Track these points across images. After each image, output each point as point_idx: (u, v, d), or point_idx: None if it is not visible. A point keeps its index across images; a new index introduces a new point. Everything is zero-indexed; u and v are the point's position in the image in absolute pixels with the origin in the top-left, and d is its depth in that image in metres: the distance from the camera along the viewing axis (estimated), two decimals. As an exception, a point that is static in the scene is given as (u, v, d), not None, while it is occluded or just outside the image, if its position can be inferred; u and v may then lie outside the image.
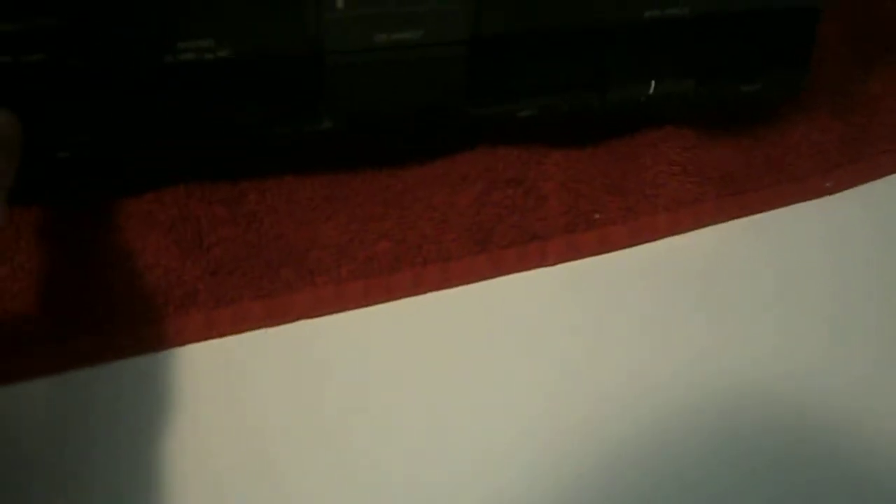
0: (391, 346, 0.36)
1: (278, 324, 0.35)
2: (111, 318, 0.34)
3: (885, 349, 0.38)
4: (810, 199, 0.42)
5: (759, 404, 0.36)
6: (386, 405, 0.34)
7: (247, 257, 0.36)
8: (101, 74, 0.32)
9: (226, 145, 0.36)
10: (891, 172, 0.43)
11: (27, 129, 0.32)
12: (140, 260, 0.36)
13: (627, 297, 0.38)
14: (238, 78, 0.34)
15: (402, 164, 0.40)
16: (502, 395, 0.35)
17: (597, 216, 0.39)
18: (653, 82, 0.38)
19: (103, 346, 0.34)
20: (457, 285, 0.37)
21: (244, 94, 0.34)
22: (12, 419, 0.32)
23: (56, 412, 0.33)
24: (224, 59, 0.33)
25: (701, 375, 0.36)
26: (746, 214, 0.41)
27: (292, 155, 0.39)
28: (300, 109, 0.35)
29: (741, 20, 0.37)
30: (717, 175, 0.41)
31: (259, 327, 0.35)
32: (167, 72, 0.32)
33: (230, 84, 0.34)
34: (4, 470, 0.31)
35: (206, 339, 0.35)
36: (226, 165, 0.39)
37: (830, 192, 0.42)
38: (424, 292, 0.37)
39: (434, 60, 0.35)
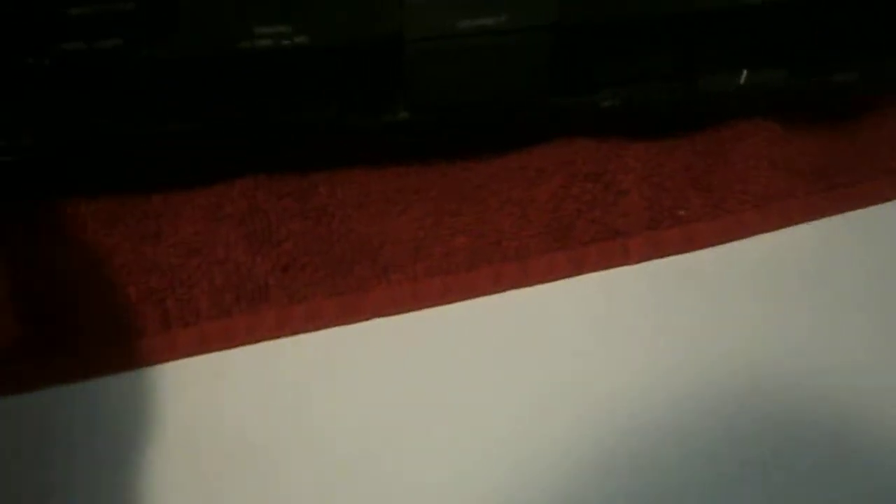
0: (469, 345, 0.34)
1: (352, 321, 0.34)
2: (179, 314, 0.33)
3: None
4: (907, 195, 0.39)
5: (851, 412, 0.34)
6: (466, 404, 0.33)
7: (318, 252, 0.35)
8: (175, 60, 0.31)
9: (300, 135, 0.35)
10: None
11: (102, 115, 0.32)
12: (210, 254, 0.34)
13: (714, 297, 0.36)
14: (314, 66, 0.32)
15: (477, 157, 0.39)
16: (585, 395, 0.33)
17: (681, 213, 0.38)
18: (744, 71, 0.37)
19: (165, 345, 0.33)
20: (536, 283, 0.36)
21: (320, 83, 0.33)
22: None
23: (119, 409, 0.32)
24: (301, 46, 0.31)
25: (791, 376, 0.34)
26: (839, 211, 0.39)
27: (364, 145, 0.37)
28: (377, 99, 0.34)
29: (840, 5, 0.35)
30: (808, 170, 0.39)
31: (332, 325, 0.34)
32: (243, 58, 0.31)
33: (306, 72, 0.32)
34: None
35: (277, 336, 0.33)
36: (295, 156, 0.37)
37: (929, 188, 0.40)
38: (504, 290, 0.35)
39: (516, 47, 0.33)
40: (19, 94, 0.31)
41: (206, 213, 0.36)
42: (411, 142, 0.37)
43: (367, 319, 0.34)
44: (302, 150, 0.36)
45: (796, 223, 0.38)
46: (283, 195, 0.37)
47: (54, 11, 0.28)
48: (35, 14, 0.28)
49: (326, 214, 0.36)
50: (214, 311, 0.33)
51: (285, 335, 0.33)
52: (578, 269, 0.36)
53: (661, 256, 0.37)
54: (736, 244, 0.38)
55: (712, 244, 0.37)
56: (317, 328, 0.34)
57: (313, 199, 0.37)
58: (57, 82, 0.30)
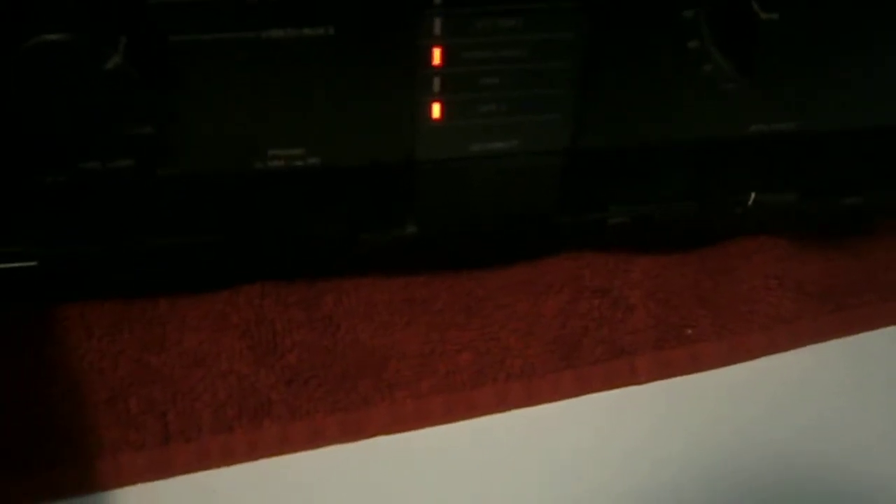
0: (473, 465, 0.34)
1: (354, 440, 0.34)
2: (180, 429, 0.33)
3: None
4: (915, 318, 0.39)
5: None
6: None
7: (322, 365, 0.35)
8: (188, 178, 0.31)
9: (309, 248, 0.35)
10: None
11: (115, 227, 0.32)
12: (214, 365, 0.34)
13: (720, 419, 0.36)
14: (326, 183, 0.33)
15: (485, 268, 0.39)
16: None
17: (688, 332, 0.37)
18: (752, 194, 0.37)
19: (164, 461, 0.32)
20: (541, 403, 0.35)
21: (331, 199, 0.33)
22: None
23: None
24: (313, 167, 0.32)
25: (798, 500, 0.34)
26: (847, 334, 0.38)
27: (372, 257, 0.37)
28: (386, 215, 0.34)
29: (851, 135, 0.35)
30: (815, 290, 0.39)
31: (334, 443, 0.33)
32: (255, 176, 0.31)
33: (317, 189, 0.33)
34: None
35: (278, 454, 0.33)
36: (303, 265, 0.37)
37: (937, 311, 0.39)
38: (507, 410, 0.35)
39: (528, 169, 0.34)
40: (36, 207, 0.31)
41: (212, 322, 0.36)
42: (418, 253, 0.37)
43: (369, 437, 0.34)
44: (310, 261, 0.37)
45: (803, 345, 0.38)
46: (289, 304, 0.36)
47: (72, 134, 0.28)
48: (54, 136, 0.28)
49: (332, 325, 0.36)
50: (216, 426, 0.33)
51: (286, 453, 0.33)
52: (584, 388, 0.36)
53: (668, 377, 0.37)
54: (743, 365, 0.37)
55: (719, 365, 0.37)
56: (318, 446, 0.33)
57: (320, 308, 0.37)
58: (72, 197, 0.30)
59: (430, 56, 0.29)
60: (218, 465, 0.32)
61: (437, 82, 0.30)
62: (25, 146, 0.29)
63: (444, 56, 0.29)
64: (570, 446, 0.34)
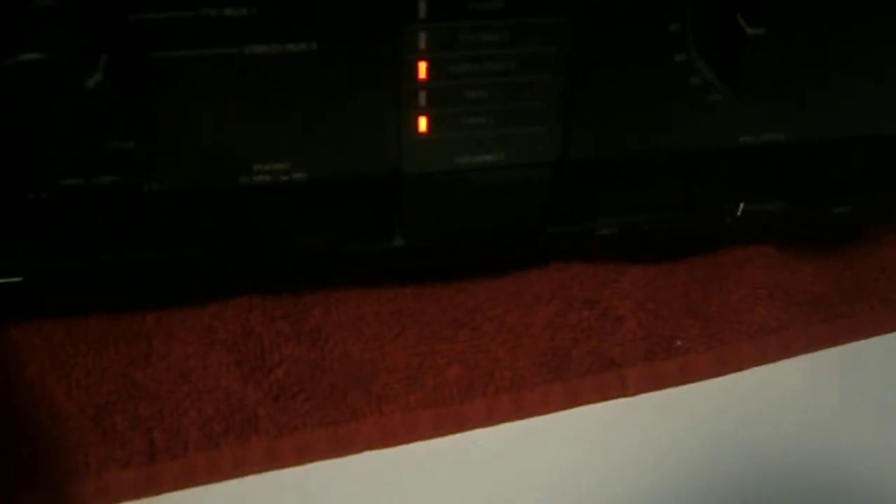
0: (462, 479, 0.33)
1: (342, 455, 0.33)
2: (166, 446, 0.33)
3: None
4: (906, 327, 0.39)
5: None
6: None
7: (311, 379, 0.35)
8: (171, 193, 0.31)
9: (295, 261, 0.35)
10: None
11: (99, 242, 0.31)
12: (200, 381, 0.34)
13: (710, 431, 0.36)
14: (312, 196, 0.32)
15: (473, 280, 0.39)
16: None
17: (678, 343, 0.37)
18: (741, 204, 0.37)
19: (150, 478, 0.32)
20: (530, 416, 0.35)
21: (317, 212, 0.33)
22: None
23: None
24: (299, 181, 0.31)
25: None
26: (837, 343, 0.38)
27: (359, 269, 0.37)
28: (374, 227, 0.34)
29: (839, 144, 0.35)
30: (805, 299, 0.39)
31: (322, 458, 0.33)
32: (241, 191, 0.31)
33: (304, 202, 0.32)
34: None
35: (265, 470, 0.33)
36: (290, 277, 0.37)
37: (928, 320, 0.39)
38: (497, 423, 0.35)
39: (515, 181, 0.33)
40: (20, 223, 0.31)
41: (199, 336, 0.35)
42: (406, 265, 0.37)
43: (357, 452, 0.34)
44: (297, 274, 0.36)
45: (794, 355, 0.38)
46: (276, 317, 0.36)
47: (55, 151, 0.28)
48: (37, 153, 0.28)
49: (320, 338, 0.36)
50: (203, 442, 0.33)
51: (274, 468, 0.33)
52: (574, 401, 0.35)
53: (658, 388, 0.36)
54: (733, 376, 0.37)
55: (709, 376, 0.37)
56: (306, 461, 0.33)
57: (307, 321, 0.36)
58: (57, 213, 0.30)
59: (415, 70, 0.29)
60: (205, 482, 0.32)
61: (422, 96, 0.30)
62: (8, 163, 0.28)
63: (429, 70, 0.29)
64: (559, 459, 0.34)
